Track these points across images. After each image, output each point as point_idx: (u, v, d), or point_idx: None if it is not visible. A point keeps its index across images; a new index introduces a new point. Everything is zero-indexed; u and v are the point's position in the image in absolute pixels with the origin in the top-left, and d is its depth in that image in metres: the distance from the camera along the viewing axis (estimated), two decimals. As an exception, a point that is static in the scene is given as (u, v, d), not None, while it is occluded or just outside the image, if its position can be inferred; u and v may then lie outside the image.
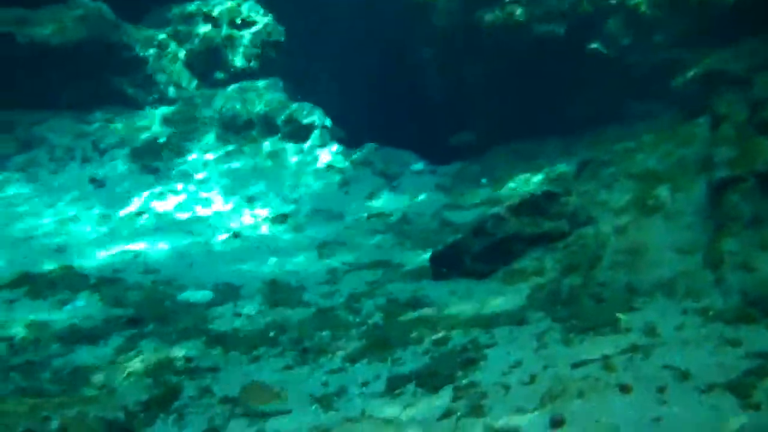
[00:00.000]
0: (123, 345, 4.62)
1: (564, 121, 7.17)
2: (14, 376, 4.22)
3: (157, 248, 6.25)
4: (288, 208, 7.18)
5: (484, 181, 7.47)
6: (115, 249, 6.22)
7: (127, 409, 3.40)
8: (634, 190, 5.43)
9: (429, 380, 3.83)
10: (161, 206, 6.93)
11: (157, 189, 7.21)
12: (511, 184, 6.98)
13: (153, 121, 8.02)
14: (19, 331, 4.80)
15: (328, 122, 8.40)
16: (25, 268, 5.74)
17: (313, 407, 3.71)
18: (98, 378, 4.14)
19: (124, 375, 4.16)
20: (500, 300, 4.75)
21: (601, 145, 6.47)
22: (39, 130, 7.94)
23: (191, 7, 8.89)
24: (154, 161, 7.55)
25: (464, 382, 3.73)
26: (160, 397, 3.78)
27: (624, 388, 3.38)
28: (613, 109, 6.93)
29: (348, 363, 4.22)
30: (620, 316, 4.17)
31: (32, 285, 5.46)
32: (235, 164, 7.60)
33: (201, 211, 6.96)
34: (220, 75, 8.66)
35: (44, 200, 7.06)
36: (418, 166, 8.02)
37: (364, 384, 3.94)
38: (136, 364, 4.30)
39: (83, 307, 5.17)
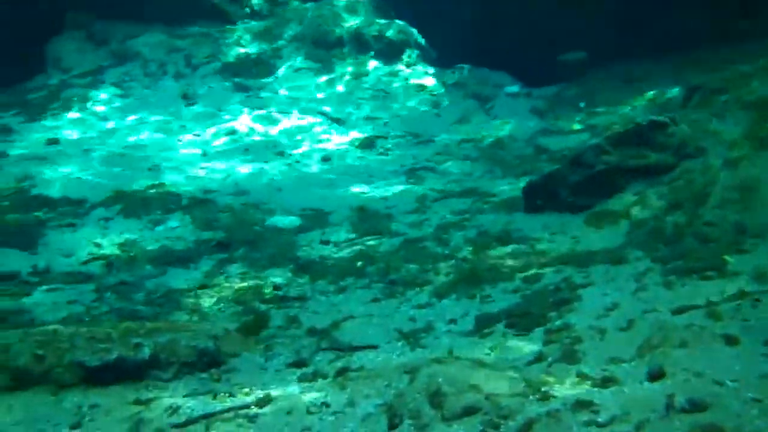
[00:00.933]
0: (213, 269, 4.67)
1: (671, 41, 6.73)
2: (109, 296, 4.33)
3: (247, 169, 6.26)
4: (377, 131, 7.07)
5: (582, 105, 7.14)
6: (206, 169, 6.26)
7: (217, 338, 3.42)
8: (748, 121, 5.05)
9: (519, 321, 3.72)
10: (251, 125, 6.91)
11: (248, 107, 7.19)
12: (612, 111, 6.64)
13: (244, 37, 7.95)
14: (114, 250, 4.93)
15: (421, 41, 8.17)
16: (120, 186, 5.86)
17: (400, 344, 3.66)
18: (189, 302, 4.20)
19: (214, 300, 4.21)
20: (597, 236, 4.55)
21: (712, 68, 6.04)
22: (133, 44, 8.00)
23: None
24: (245, 78, 7.52)
25: (557, 324, 3.59)
26: (248, 326, 3.81)
27: (730, 340, 3.17)
28: (722, 27, 6.45)
29: (435, 298, 4.14)
30: (728, 258, 3.92)
31: (126, 203, 5.56)
32: (324, 83, 7.50)
33: (289, 131, 6.92)
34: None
35: (139, 116, 7.15)
36: (513, 88, 7.73)
37: (452, 321, 3.86)
38: (225, 290, 4.35)
39: (175, 228, 5.26)
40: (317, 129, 6.94)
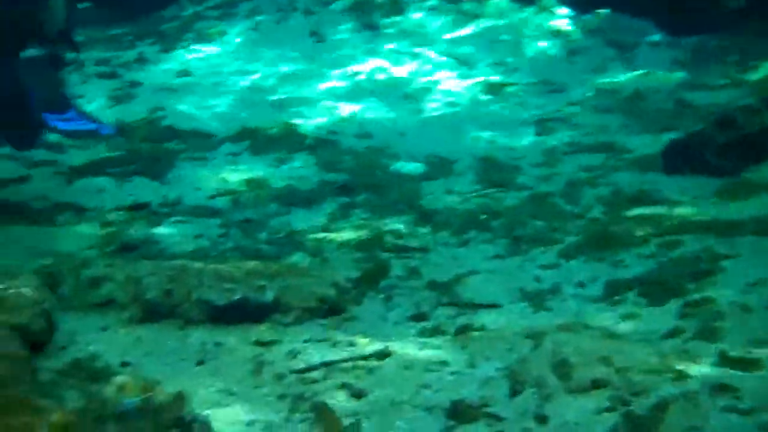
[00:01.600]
0: (335, 212, 4.68)
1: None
2: (235, 233, 4.42)
3: (372, 111, 6.20)
4: (507, 77, 6.84)
5: (732, 59, 6.67)
6: (331, 108, 6.26)
7: (338, 285, 3.43)
8: None
9: (654, 289, 3.53)
10: (377, 66, 6.82)
11: (375, 48, 7.10)
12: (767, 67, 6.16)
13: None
14: (240, 186, 5.01)
15: (558, -19, 7.81)
16: (247, 122, 5.94)
17: (523, 304, 3.56)
18: (311, 245, 4.23)
19: (336, 245, 4.22)
20: (744, 204, 4.26)
21: None
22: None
23: None
24: (374, 17, 7.41)
25: (696, 297, 3.39)
26: (369, 275, 3.80)
27: None
28: None
29: (563, 259, 3.99)
30: None
31: (253, 140, 5.64)
32: (455, 25, 7.29)
33: (416, 74, 6.78)
34: None
35: (267, 52, 7.19)
36: (656, 36, 7.29)
37: (580, 285, 3.72)
38: (347, 235, 4.34)
39: (299, 168, 5.29)
40: (445, 73, 6.77)
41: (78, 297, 3.04)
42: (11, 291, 2.48)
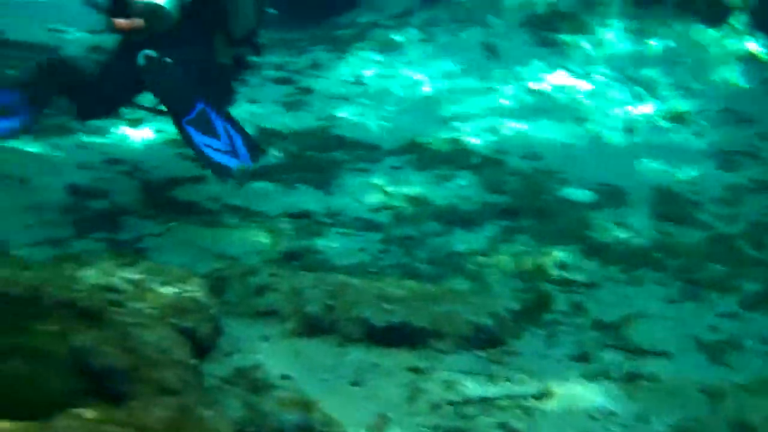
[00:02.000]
0: (498, 236, 4.60)
1: None
2: (395, 249, 4.43)
3: (542, 131, 6.07)
4: (689, 103, 6.51)
5: None
6: (500, 126, 6.17)
7: (497, 316, 3.35)
8: None
9: None
10: (551, 85, 6.68)
11: (550, 65, 6.96)
12: None
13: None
14: (402, 201, 5.03)
15: (752, 2, 7.35)
16: (413, 135, 5.96)
17: (699, 355, 3.34)
18: (471, 268, 4.17)
19: (496, 271, 4.14)
20: None
21: None
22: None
23: None
24: (552, 33, 7.25)
25: None
26: (530, 306, 3.69)
27: None
28: None
29: (744, 309, 3.73)
30: None
31: (418, 154, 5.65)
32: (636, 45, 7.01)
33: (591, 94, 6.58)
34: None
35: (439, 64, 7.19)
36: None
37: (763, 341, 3.45)
38: (508, 261, 4.25)
39: (463, 187, 5.24)
40: (622, 95, 6.53)
41: (243, 304, 3.13)
42: (182, 294, 2.57)
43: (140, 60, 4.05)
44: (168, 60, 4.10)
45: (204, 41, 4.45)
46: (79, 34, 7.36)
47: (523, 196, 5.08)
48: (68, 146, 4.84)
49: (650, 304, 3.84)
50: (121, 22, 3.98)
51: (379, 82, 6.80)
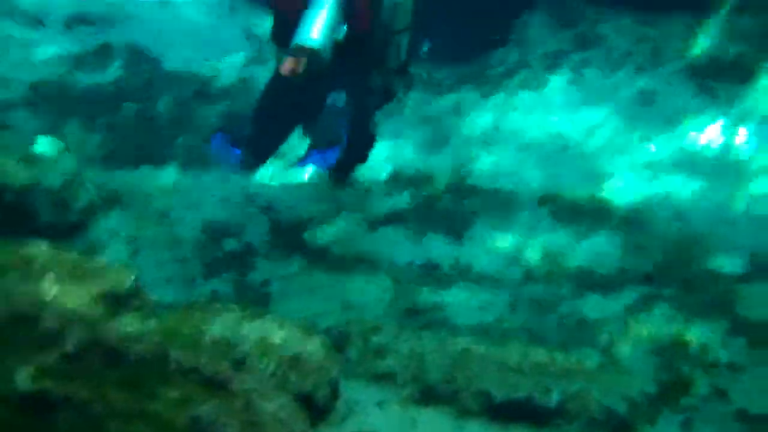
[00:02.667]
0: (636, 305, 4.41)
1: None
2: (522, 310, 4.33)
3: (694, 191, 5.78)
4: None
5: None
6: (649, 181, 5.92)
7: (630, 399, 3.19)
8: None
9: None
10: (709, 139, 6.36)
11: (711, 116, 6.60)
12: None
13: (723, 33, 7.27)
14: (535, 258, 4.92)
15: None
16: (553, 186, 5.82)
17: None
18: (603, 339, 4.02)
19: (631, 344, 3.97)
20: None
21: None
22: (601, 29, 7.84)
23: None
24: (717, 81, 6.87)
25: None
26: (667, 388, 3.50)
27: None
28: None
29: None
30: None
31: (556, 207, 5.51)
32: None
33: (753, 153, 6.19)
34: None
35: (588, 109, 6.97)
36: None
37: None
38: (646, 334, 4.07)
39: (602, 246, 5.07)
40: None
41: (362, 364, 3.14)
42: (304, 354, 2.60)
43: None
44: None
45: (358, 74, 4.74)
46: (231, 64, 7.69)
47: (667, 261, 4.86)
48: (209, 180, 5.06)
49: (801, 396, 3.56)
50: (289, 64, 4.27)
51: (523, 127, 6.70)
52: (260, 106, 5.09)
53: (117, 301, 2.50)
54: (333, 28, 4.34)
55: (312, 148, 5.12)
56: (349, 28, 4.44)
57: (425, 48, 5.04)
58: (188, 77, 6.71)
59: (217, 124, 5.87)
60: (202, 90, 6.66)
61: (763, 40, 7.04)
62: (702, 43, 7.20)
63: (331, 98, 5.09)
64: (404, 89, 5.18)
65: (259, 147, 5.14)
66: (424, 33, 5.07)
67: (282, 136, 5.20)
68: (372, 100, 4.97)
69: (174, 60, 7.10)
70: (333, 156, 5.17)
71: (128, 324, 2.30)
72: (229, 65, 7.63)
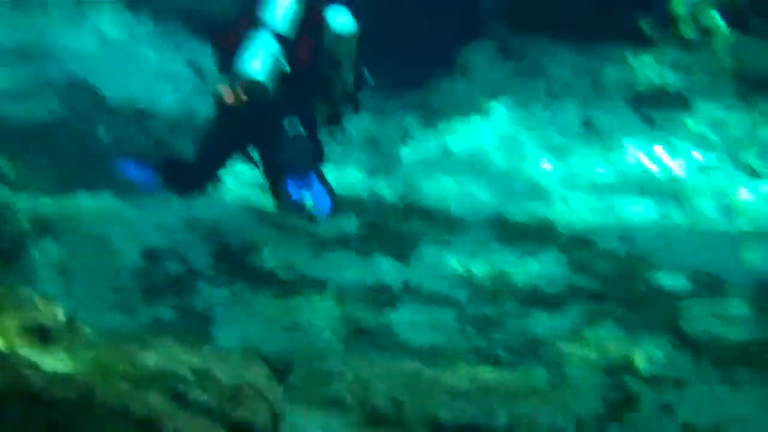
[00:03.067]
0: (582, 322, 4.41)
1: None
2: (470, 330, 4.30)
3: (636, 212, 5.86)
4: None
5: None
6: (593, 202, 5.98)
7: (578, 419, 3.17)
8: None
9: None
10: (649, 162, 6.45)
11: (650, 141, 6.69)
12: None
13: (660, 64, 7.45)
14: (482, 278, 4.90)
15: None
16: (499, 209, 5.83)
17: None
18: (551, 358, 3.99)
19: (579, 362, 3.95)
20: None
21: None
22: (543, 61, 7.95)
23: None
24: (655, 110, 7.00)
25: None
26: (615, 406, 3.49)
27: None
28: None
29: None
30: None
31: (502, 229, 5.51)
32: (747, 126, 6.68)
33: (693, 175, 6.30)
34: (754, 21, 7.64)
35: (533, 136, 7.02)
36: None
37: None
38: (593, 352, 4.06)
39: (548, 266, 5.08)
40: (727, 177, 6.23)
41: (305, 390, 3.06)
42: (244, 383, 2.52)
43: (284, 122, 4.63)
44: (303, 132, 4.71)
45: (304, 103, 4.85)
46: (173, 94, 7.60)
47: (613, 280, 4.89)
48: (149, 205, 4.94)
49: (747, 409, 3.57)
50: (228, 95, 4.48)
51: (468, 153, 6.73)
52: (207, 132, 5.09)
53: (45, 336, 2.37)
54: (273, 61, 4.49)
55: (282, 175, 4.99)
56: (291, 61, 4.58)
57: (366, 74, 5.09)
58: (128, 107, 6.61)
59: (155, 151, 5.80)
60: (141, 119, 6.57)
61: (696, 69, 7.23)
62: (640, 74, 7.36)
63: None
64: (349, 114, 5.20)
65: (205, 172, 5.12)
66: (369, 60, 5.11)
67: (226, 161, 5.17)
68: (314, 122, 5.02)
69: (114, 91, 7.00)
70: (318, 191, 5.04)
71: (56, 362, 2.18)
72: (171, 96, 7.54)
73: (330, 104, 5.02)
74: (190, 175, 5.02)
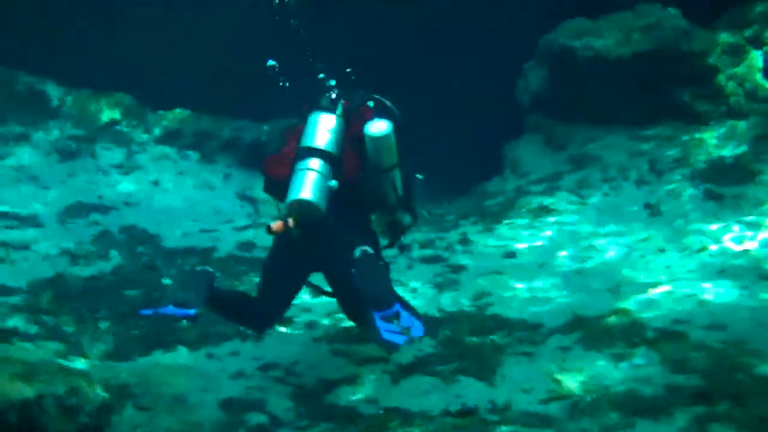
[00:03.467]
0: (691, 427, 4.08)
1: None
2: (571, 450, 4.01)
3: (723, 296, 5.54)
4: None
5: None
6: (674, 292, 5.69)
7: None
8: None
9: None
10: (727, 242, 6.18)
11: (722, 220, 6.45)
12: None
13: (717, 138, 7.28)
14: (575, 388, 4.62)
15: None
16: (577, 309, 5.58)
17: None
18: (665, 472, 3.67)
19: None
20: None
21: None
22: (593, 148, 7.85)
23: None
24: (719, 186, 6.80)
25: None
26: None
27: None
28: None
29: None
30: None
31: (585, 331, 5.25)
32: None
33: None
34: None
35: (596, 228, 6.82)
36: None
37: None
38: (709, 462, 3.73)
39: (642, 367, 4.78)
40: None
41: None
42: None
43: (356, 253, 4.34)
44: (380, 261, 4.46)
45: (360, 216, 4.77)
46: (230, 232, 7.64)
47: (714, 375, 4.55)
48: (222, 355, 4.81)
49: None
50: (276, 225, 4.29)
51: (533, 253, 6.54)
52: (266, 266, 4.92)
53: None
54: (320, 180, 4.43)
55: (368, 314, 4.71)
56: (341, 178, 4.53)
57: (420, 178, 5.00)
58: (189, 251, 6.61)
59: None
60: (204, 262, 6.55)
61: (758, 141, 7.01)
62: (699, 153, 7.17)
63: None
64: (410, 224, 5.06)
65: (271, 309, 4.92)
66: (417, 166, 5.05)
67: (292, 295, 4.98)
68: (376, 246, 4.85)
69: (171, 237, 7.03)
70: (406, 318, 4.75)
71: None
72: (227, 232, 7.57)
73: (387, 215, 4.91)
74: (257, 313, 4.81)
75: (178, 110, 9.94)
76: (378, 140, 4.60)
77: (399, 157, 4.73)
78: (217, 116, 10.18)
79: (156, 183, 8.95)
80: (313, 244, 4.49)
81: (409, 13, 9.45)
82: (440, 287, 6.09)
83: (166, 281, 6.18)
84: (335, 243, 4.54)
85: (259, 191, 9.68)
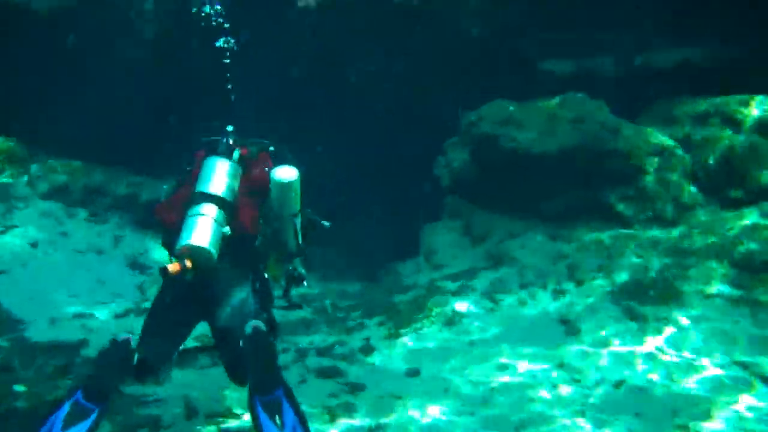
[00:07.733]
0: None
1: None
2: None
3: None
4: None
5: None
6: (583, 416, 5.15)
7: None
8: None
9: None
10: (644, 371, 5.63)
11: (644, 344, 5.88)
12: None
13: (642, 248, 6.83)
14: None
15: None
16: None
17: None
18: None
19: None
20: None
21: None
22: (513, 247, 7.36)
23: (703, 106, 7.61)
24: (640, 303, 6.29)
25: None
26: None
27: None
28: None
29: None
30: None
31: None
32: (748, 322, 5.97)
33: (703, 384, 5.43)
34: (736, 194, 7.14)
35: (507, 344, 6.18)
36: None
37: None
38: None
39: None
40: (742, 389, 5.40)
41: None
42: None
43: (247, 329, 4.24)
44: (272, 339, 4.32)
45: (252, 265, 4.64)
46: (107, 317, 6.85)
47: None
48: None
49: None
50: (173, 266, 4.15)
51: (439, 373, 5.89)
52: (152, 313, 4.49)
53: None
54: (214, 226, 4.33)
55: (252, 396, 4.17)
56: (235, 225, 4.45)
57: (327, 226, 4.85)
58: (54, 347, 5.80)
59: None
60: (70, 362, 5.74)
61: (686, 257, 6.61)
62: (623, 264, 6.70)
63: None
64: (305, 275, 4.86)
65: (157, 353, 4.39)
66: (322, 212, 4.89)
67: (175, 342, 4.51)
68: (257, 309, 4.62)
69: (37, 324, 6.20)
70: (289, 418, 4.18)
71: None
72: (105, 316, 6.77)
73: (284, 262, 4.86)
74: (139, 360, 4.25)
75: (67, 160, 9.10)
76: (285, 186, 4.58)
77: (301, 205, 4.70)
78: (112, 168, 9.37)
79: (34, 245, 8.07)
80: (203, 292, 4.35)
81: (322, 77, 8.85)
82: (332, 413, 5.39)
83: (19, 388, 5.36)
84: (225, 293, 4.40)
85: (153, 255, 8.84)
